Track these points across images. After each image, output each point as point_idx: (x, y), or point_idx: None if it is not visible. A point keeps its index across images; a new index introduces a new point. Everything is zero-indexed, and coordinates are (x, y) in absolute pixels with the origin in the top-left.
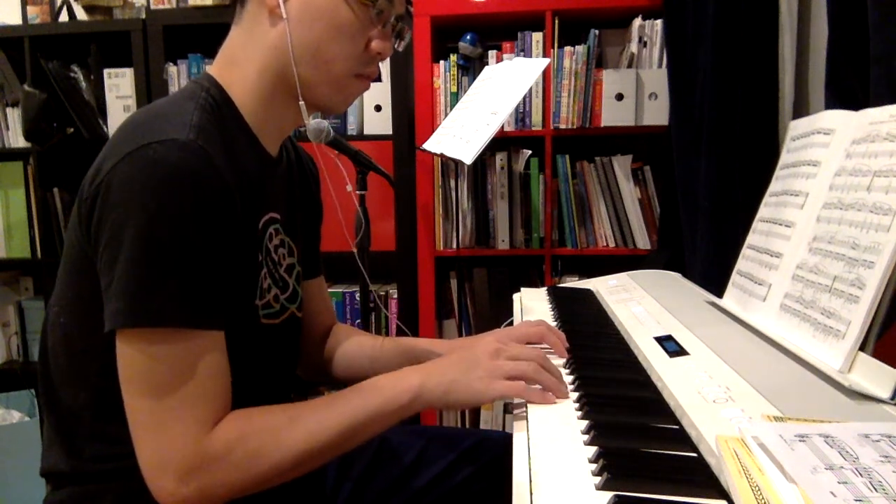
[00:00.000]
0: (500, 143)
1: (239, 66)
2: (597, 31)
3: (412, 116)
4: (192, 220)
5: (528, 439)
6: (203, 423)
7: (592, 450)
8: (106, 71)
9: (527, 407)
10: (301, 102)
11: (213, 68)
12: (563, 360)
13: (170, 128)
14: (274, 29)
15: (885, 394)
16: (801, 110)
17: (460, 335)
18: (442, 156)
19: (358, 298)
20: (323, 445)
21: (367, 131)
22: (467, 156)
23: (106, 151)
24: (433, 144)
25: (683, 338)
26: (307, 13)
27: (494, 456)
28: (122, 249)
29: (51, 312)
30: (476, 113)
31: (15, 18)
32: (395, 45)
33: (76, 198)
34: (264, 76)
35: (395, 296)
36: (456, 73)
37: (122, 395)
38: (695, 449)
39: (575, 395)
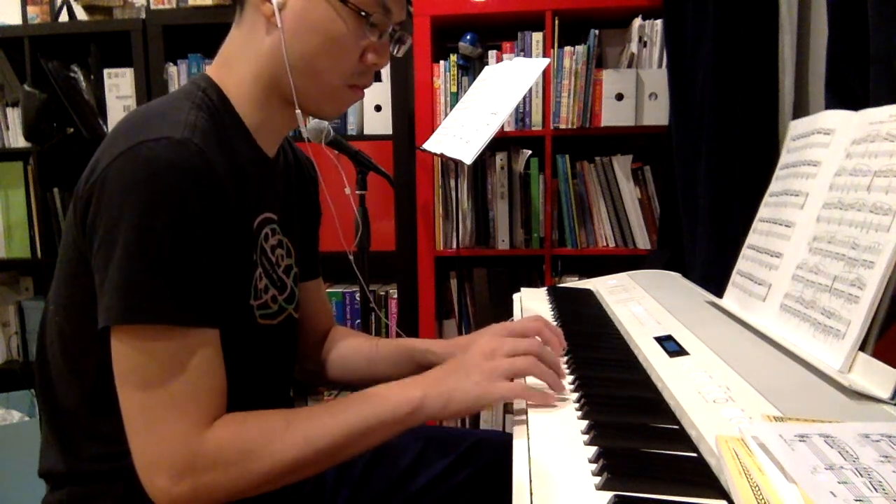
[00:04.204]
0: (500, 143)
1: (235, 68)
2: (597, 31)
3: (412, 116)
4: (187, 216)
5: (529, 439)
6: (196, 422)
7: (592, 450)
8: (106, 71)
9: (527, 407)
10: (297, 111)
11: (211, 69)
12: (563, 360)
13: (165, 126)
14: (269, 37)
15: (885, 394)
16: (801, 110)
17: (460, 335)
18: (442, 156)
19: (358, 298)
20: (318, 452)
21: (367, 131)
22: (467, 156)
23: (101, 150)
24: (433, 144)
25: (683, 338)
26: (302, 24)
27: (493, 457)
28: (116, 246)
29: (47, 311)
30: (476, 113)
31: (15, 18)
32: (394, 51)
33: (72, 196)
34: (259, 81)
35: (395, 296)
36: (456, 73)
37: (117, 392)
38: (695, 449)
39: (575, 395)
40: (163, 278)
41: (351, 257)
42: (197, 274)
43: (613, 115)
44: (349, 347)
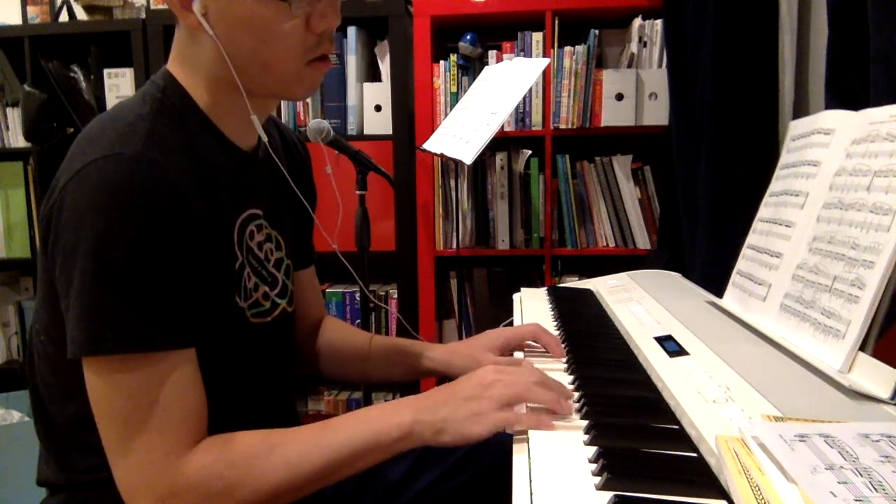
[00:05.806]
0: (500, 143)
1: (189, 68)
2: (597, 31)
3: (412, 116)
4: (143, 238)
5: (528, 440)
6: (173, 447)
7: (592, 450)
8: (106, 71)
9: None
10: (252, 116)
11: (171, 65)
12: (563, 361)
13: (119, 140)
14: (208, 44)
15: (885, 394)
16: (801, 110)
17: (460, 335)
18: (442, 156)
19: (358, 298)
20: (304, 478)
21: (367, 131)
22: (467, 156)
23: (63, 166)
24: (433, 144)
25: (683, 338)
26: (231, 25)
27: (492, 459)
28: (75, 274)
29: (33, 330)
30: (476, 113)
31: (15, 18)
32: None
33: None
34: (214, 83)
35: (395, 296)
36: (456, 73)
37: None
38: (695, 449)
39: (575, 395)
40: (123, 306)
41: (344, 259)
42: (161, 296)
43: (613, 115)
44: (344, 343)
